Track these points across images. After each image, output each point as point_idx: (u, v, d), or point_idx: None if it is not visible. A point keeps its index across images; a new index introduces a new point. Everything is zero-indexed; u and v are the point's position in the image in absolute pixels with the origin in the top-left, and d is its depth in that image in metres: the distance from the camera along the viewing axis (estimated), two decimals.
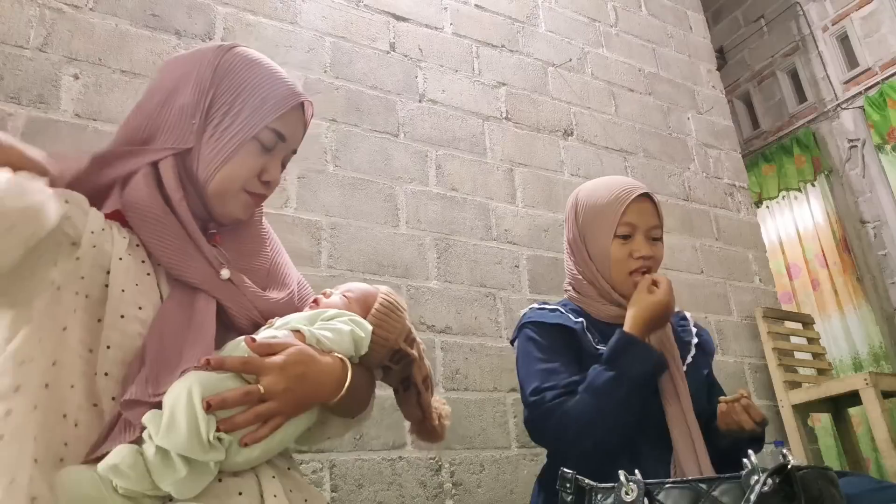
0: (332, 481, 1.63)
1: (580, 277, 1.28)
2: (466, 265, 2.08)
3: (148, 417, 0.69)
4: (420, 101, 2.22)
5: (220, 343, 0.81)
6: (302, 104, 0.93)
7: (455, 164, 2.21)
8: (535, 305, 1.30)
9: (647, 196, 1.26)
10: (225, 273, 0.84)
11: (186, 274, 0.81)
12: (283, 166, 0.95)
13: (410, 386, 0.97)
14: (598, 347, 1.19)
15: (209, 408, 0.69)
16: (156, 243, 0.81)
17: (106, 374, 0.74)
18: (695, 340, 1.31)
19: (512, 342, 1.31)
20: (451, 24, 2.42)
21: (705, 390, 1.26)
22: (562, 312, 1.24)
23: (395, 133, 2.12)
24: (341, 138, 2.01)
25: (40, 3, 1.68)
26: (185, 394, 0.70)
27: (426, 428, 1.00)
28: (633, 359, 1.10)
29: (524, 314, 1.30)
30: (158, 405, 0.71)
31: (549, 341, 1.20)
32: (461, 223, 2.13)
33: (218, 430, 0.70)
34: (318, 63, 2.06)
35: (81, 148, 1.60)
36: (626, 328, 1.14)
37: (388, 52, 2.22)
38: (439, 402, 1.03)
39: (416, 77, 2.25)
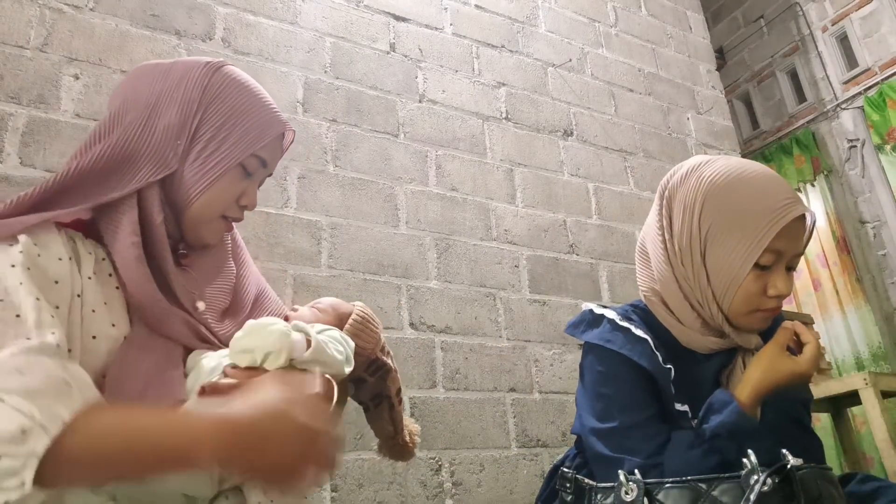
0: (332, 481, 1.63)
1: (683, 299, 0.97)
2: (466, 265, 2.08)
3: None
4: (420, 102, 2.22)
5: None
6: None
7: (455, 165, 2.21)
8: (603, 312, 1.01)
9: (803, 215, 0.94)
10: (201, 306, 0.84)
11: (162, 328, 0.79)
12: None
13: (382, 401, 0.97)
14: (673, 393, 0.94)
15: None
16: (129, 282, 0.79)
17: None
18: None
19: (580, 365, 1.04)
20: (451, 25, 2.42)
21: None
22: (639, 340, 0.96)
23: (395, 133, 2.12)
24: (341, 138, 2.01)
25: (40, 3, 1.68)
26: None
27: (397, 443, 0.99)
28: (741, 444, 0.83)
29: (592, 324, 1.01)
30: None
31: (629, 383, 0.95)
32: (461, 223, 2.13)
33: None
34: (318, 63, 2.06)
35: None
36: (746, 399, 0.88)
37: (388, 53, 2.22)
38: (409, 420, 1.03)
39: (416, 77, 2.25)
